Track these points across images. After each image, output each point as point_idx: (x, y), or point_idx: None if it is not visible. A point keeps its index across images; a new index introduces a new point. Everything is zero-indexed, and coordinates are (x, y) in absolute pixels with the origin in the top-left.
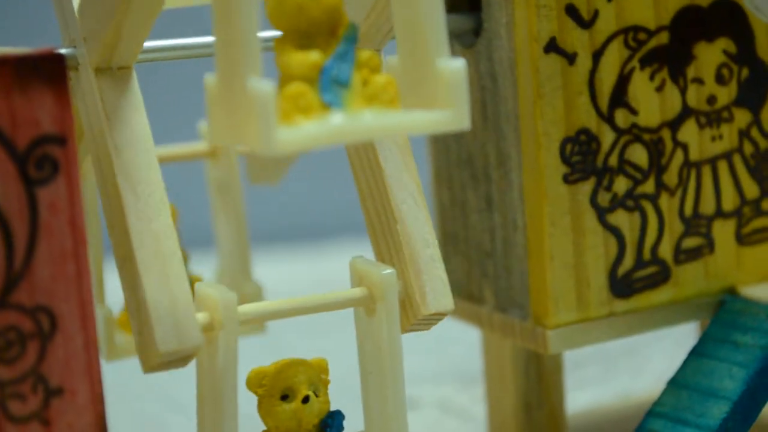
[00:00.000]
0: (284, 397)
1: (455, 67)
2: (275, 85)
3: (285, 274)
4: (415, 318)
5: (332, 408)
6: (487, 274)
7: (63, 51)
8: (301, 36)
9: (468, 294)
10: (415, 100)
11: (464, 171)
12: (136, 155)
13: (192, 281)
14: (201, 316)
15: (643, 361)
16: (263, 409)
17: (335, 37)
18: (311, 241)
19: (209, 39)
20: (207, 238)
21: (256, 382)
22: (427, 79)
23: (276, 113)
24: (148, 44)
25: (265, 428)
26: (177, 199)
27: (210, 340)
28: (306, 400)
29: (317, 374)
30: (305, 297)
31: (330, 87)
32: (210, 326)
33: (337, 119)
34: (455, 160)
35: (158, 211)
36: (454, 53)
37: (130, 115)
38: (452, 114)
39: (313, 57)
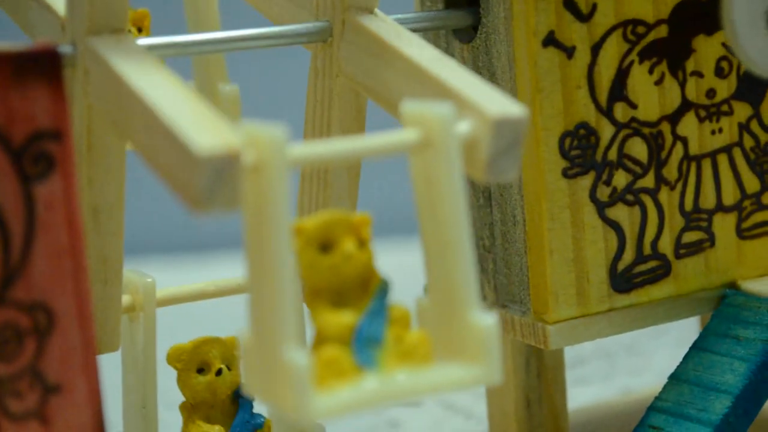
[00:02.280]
0: (200, 371)
1: (488, 322)
2: (309, 351)
3: None
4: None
5: None
6: (487, 270)
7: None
8: (334, 294)
9: None
10: (445, 350)
11: None
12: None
13: None
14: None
15: (644, 357)
16: (181, 381)
17: (367, 293)
18: None
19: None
20: None
21: (175, 358)
22: (458, 331)
23: (310, 382)
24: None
25: (184, 400)
26: None
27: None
28: (219, 372)
29: (230, 350)
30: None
31: (364, 347)
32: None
33: (371, 384)
34: None
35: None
36: (452, 49)
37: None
38: (485, 370)
39: (347, 318)
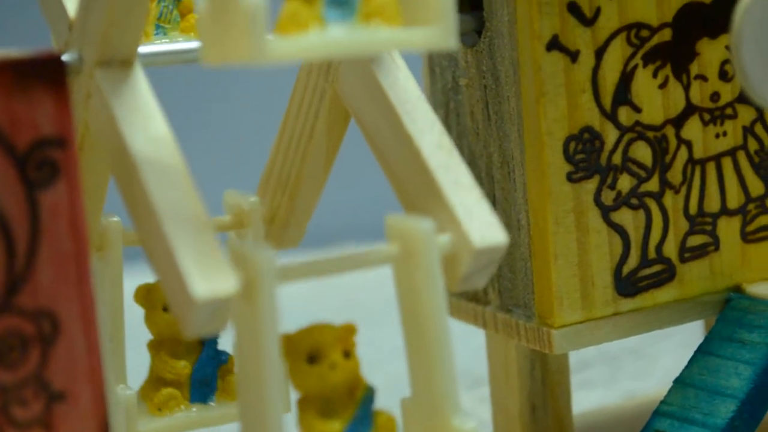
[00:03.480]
0: (165, 309)
1: (468, 428)
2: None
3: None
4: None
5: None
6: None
7: (63, 54)
8: (322, 401)
9: (472, 294)
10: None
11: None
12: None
13: None
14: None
15: (649, 361)
16: (149, 319)
17: (354, 400)
18: (314, 247)
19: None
20: None
21: (142, 296)
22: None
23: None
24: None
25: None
26: None
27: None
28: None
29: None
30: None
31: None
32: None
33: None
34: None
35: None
36: (456, 53)
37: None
38: (440, 31)
39: (334, 429)
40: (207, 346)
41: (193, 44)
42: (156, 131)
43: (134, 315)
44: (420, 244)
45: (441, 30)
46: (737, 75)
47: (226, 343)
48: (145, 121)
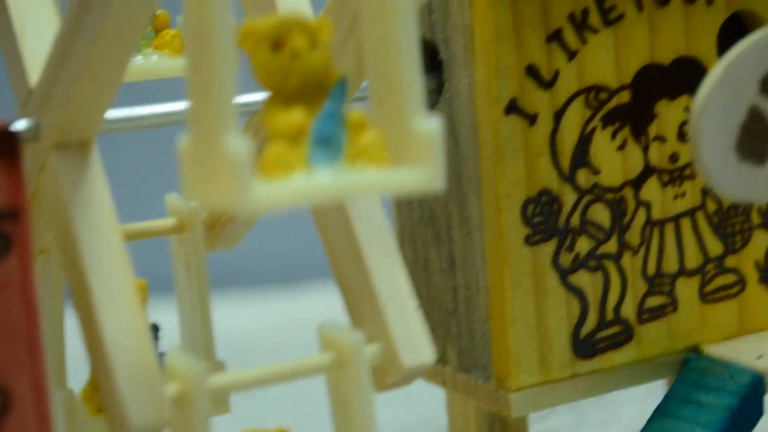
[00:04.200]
0: None
1: (431, 126)
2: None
3: (259, 317)
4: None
5: None
6: (450, 334)
7: (17, 125)
8: (287, 96)
9: None
10: (393, 155)
11: (427, 230)
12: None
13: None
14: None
15: (613, 409)
16: None
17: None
18: (283, 285)
19: (176, 107)
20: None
21: None
22: (403, 136)
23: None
24: (110, 114)
25: None
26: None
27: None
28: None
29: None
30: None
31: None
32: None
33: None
34: (418, 219)
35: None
36: None
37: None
38: (428, 173)
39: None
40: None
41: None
42: (104, 223)
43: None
44: (351, 354)
45: (429, 170)
46: (697, 167)
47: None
48: (95, 215)
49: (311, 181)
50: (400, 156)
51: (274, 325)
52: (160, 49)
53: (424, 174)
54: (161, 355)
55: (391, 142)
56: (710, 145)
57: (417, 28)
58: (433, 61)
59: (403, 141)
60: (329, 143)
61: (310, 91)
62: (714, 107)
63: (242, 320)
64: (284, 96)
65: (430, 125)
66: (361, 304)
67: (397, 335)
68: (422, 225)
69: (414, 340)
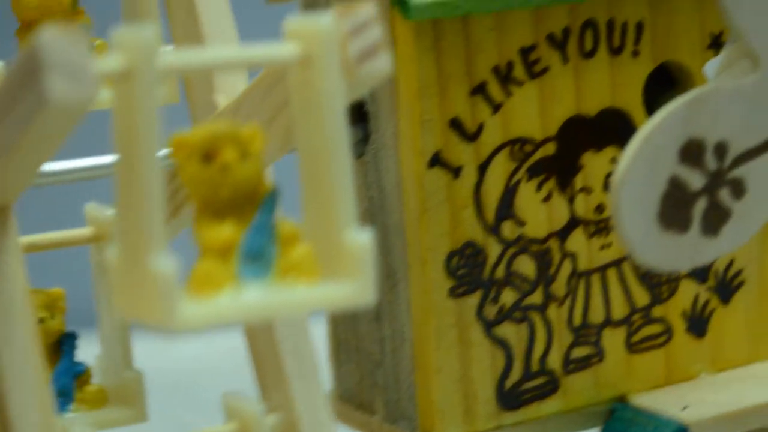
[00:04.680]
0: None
1: (363, 240)
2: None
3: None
4: None
5: None
6: (378, 384)
7: None
8: (217, 208)
9: (359, 403)
10: (324, 268)
11: None
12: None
13: None
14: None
15: None
16: None
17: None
18: None
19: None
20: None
21: None
22: (334, 249)
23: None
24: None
25: None
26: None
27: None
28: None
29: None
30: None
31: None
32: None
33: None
34: None
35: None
36: None
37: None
38: (359, 288)
39: (228, 232)
40: (64, 356)
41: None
42: (15, 297)
43: None
44: (253, 424)
45: (359, 285)
46: (620, 239)
47: (83, 353)
48: (7, 287)
49: (239, 300)
50: (332, 269)
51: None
52: None
53: (354, 289)
54: (78, 365)
55: (323, 254)
56: (632, 217)
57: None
58: (360, 112)
59: (334, 254)
60: (259, 257)
61: (241, 203)
62: (633, 180)
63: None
64: (214, 208)
65: (361, 239)
66: (269, 375)
67: (301, 409)
68: None
69: (317, 416)
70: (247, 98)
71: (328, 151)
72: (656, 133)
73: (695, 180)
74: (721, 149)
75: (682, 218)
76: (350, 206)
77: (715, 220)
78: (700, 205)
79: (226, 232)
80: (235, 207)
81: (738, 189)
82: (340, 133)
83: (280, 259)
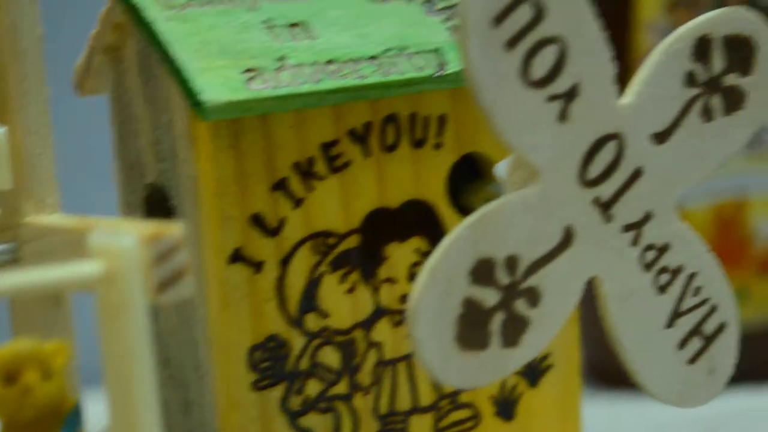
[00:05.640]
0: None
1: None
2: None
3: None
4: None
5: None
6: None
7: None
8: (20, 427)
9: None
10: None
11: (164, 371)
12: None
13: None
14: None
15: None
16: None
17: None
18: None
19: None
20: None
21: None
22: None
23: None
24: None
25: None
26: None
27: None
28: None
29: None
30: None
31: None
32: None
33: None
34: (156, 360)
35: None
36: None
37: None
38: None
39: None
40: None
41: None
42: None
43: None
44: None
45: None
46: (420, 365)
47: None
48: None
49: None
50: None
51: None
52: None
53: None
54: None
55: None
56: (429, 344)
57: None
58: (165, 207)
59: None
60: None
61: (45, 421)
62: (427, 308)
63: None
64: (17, 428)
65: None
66: None
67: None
68: (160, 366)
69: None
70: None
71: (132, 364)
72: (445, 259)
73: (489, 297)
74: (512, 263)
75: (481, 336)
76: (153, 418)
77: (514, 331)
78: (497, 320)
79: None
80: (39, 424)
81: (533, 297)
82: (143, 348)
83: None
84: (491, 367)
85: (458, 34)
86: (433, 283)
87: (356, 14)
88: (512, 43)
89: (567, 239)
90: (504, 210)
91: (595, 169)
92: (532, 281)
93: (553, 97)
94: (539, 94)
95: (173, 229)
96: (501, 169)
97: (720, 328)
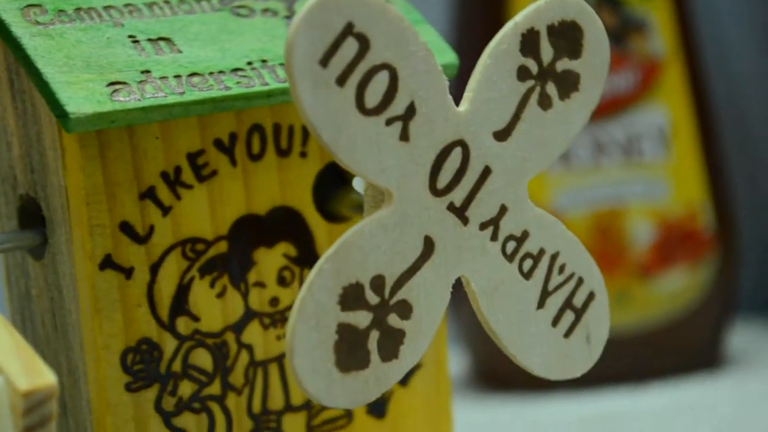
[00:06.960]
0: None
1: None
2: None
3: None
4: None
5: None
6: None
7: None
8: None
9: None
10: None
11: None
12: None
13: None
14: None
15: None
16: None
17: None
18: None
19: None
20: None
21: None
22: None
23: None
24: None
25: None
26: None
27: None
28: None
29: None
30: None
31: None
32: None
33: None
34: None
35: None
36: (27, 265)
37: None
38: None
39: None
40: None
41: None
42: None
43: None
44: None
45: None
46: (305, 392)
47: None
48: None
49: None
50: None
51: None
52: None
53: None
54: None
55: None
56: (312, 376)
57: None
58: (38, 216)
59: None
60: None
61: None
62: (302, 343)
63: None
64: None
65: None
66: None
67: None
68: None
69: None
70: None
71: None
72: (310, 294)
73: (362, 319)
74: (378, 283)
75: (360, 357)
76: None
77: (392, 345)
78: (373, 338)
79: None
80: None
81: (404, 310)
82: None
83: None
84: (375, 383)
85: (288, 79)
86: (303, 319)
87: (218, 29)
88: (343, 78)
89: (428, 249)
90: (362, 235)
91: (445, 177)
92: (400, 295)
93: (392, 120)
94: (377, 120)
95: (47, 381)
96: (358, 183)
97: (589, 298)
